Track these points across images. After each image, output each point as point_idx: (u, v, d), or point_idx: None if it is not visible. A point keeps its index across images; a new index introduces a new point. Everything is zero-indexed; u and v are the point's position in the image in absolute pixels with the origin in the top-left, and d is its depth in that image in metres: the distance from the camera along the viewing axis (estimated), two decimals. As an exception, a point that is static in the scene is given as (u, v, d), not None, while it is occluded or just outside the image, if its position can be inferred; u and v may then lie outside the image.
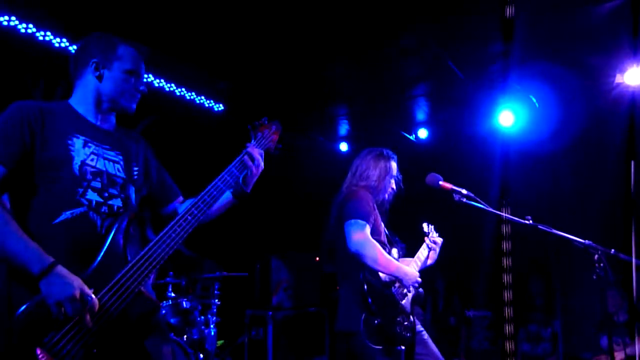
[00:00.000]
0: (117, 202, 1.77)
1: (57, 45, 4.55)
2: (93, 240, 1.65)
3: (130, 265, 1.62)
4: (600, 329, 4.64)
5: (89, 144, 1.77)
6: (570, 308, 5.45)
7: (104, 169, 1.78)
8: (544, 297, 5.56)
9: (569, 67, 4.85)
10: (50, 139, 1.69)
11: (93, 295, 1.53)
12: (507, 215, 2.57)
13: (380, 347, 2.51)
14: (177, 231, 1.72)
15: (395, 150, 3.09)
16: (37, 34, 4.43)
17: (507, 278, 5.34)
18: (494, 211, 2.61)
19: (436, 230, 3.26)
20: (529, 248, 5.53)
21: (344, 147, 7.06)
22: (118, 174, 1.82)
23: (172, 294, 4.32)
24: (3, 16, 4.20)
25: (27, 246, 1.52)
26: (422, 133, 6.55)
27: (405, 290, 2.73)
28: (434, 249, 3.06)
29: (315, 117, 6.55)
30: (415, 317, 2.76)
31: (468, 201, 2.52)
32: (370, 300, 2.53)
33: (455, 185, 2.64)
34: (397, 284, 2.71)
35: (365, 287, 2.55)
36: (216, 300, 4.54)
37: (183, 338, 4.07)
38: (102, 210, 1.72)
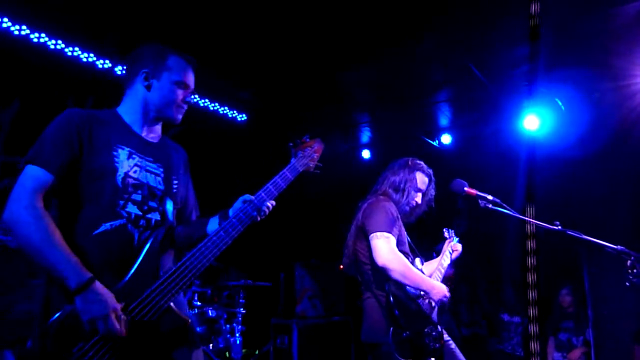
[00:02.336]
0: (155, 216, 1.79)
1: (85, 60, 4.68)
2: (129, 252, 1.68)
3: (160, 281, 1.64)
4: (636, 339, 4.49)
5: (134, 156, 1.80)
6: (603, 316, 5.30)
7: (146, 182, 1.80)
8: (574, 305, 5.42)
9: (597, 70, 4.74)
10: (97, 149, 1.72)
11: (124, 317, 1.55)
12: (534, 220, 2.51)
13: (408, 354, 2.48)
14: (210, 248, 1.72)
15: (418, 156, 3.04)
16: (66, 50, 4.56)
17: (532, 285, 5.22)
18: (521, 217, 2.56)
19: (458, 235, 3.27)
20: (558, 255, 5.40)
21: (366, 154, 7.04)
22: (159, 186, 1.84)
23: (198, 303, 4.37)
24: (34, 33, 4.34)
25: (68, 259, 1.55)
26: (446, 139, 6.49)
27: (433, 303, 2.71)
28: (454, 255, 3.06)
29: (337, 125, 6.56)
30: (442, 327, 2.72)
31: (494, 207, 2.47)
32: (397, 312, 2.51)
33: (480, 191, 2.59)
34: (424, 297, 2.69)
35: (392, 299, 2.54)
36: (241, 309, 4.57)
37: (209, 346, 4.10)
38: (140, 223, 1.74)
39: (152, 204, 1.79)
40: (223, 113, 6.02)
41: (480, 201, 2.53)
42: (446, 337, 2.78)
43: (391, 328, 2.51)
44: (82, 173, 1.69)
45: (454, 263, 4.32)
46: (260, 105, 6.02)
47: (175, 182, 1.91)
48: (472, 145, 6.36)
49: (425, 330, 2.61)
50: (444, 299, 2.67)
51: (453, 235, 3.16)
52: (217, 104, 5.93)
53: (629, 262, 2.18)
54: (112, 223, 1.68)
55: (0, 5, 4.13)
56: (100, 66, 4.80)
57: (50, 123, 1.73)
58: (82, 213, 1.68)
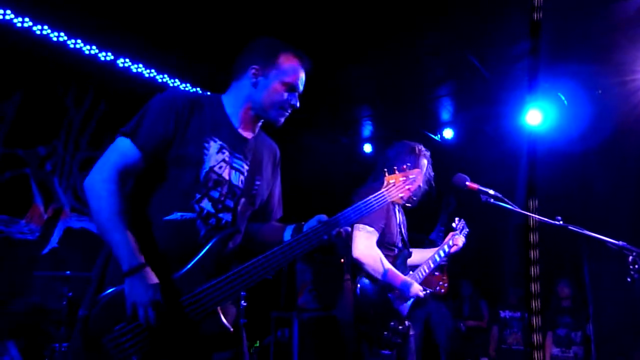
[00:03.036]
0: (227, 217, 1.74)
1: (87, 52, 4.67)
2: (191, 247, 1.65)
3: (214, 282, 1.62)
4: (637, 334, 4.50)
5: (224, 150, 1.75)
6: (603, 311, 5.31)
7: (228, 179, 1.75)
8: (573, 300, 5.43)
9: (600, 65, 4.73)
10: (191, 136, 1.69)
11: (164, 309, 1.55)
12: (536, 215, 2.51)
13: (367, 348, 2.59)
14: (271, 260, 1.67)
15: None
16: (69, 42, 4.55)
17: (535, 279, 5.22)
18: (522, 211, 2.56)
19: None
20: (559, 249, 5.41)
21: (368, 148, 7.04)
22: (239, 185, 1.78)
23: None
24: (36, 25, 4.33)
25: (127, 242, 1.57)
26: (448, 133, 6.48)
27: (404, 298, 2.72)
28: (453, 249, 3.06)
29: (339, 119, 6.55)
30: (410, 322, 2.76)
31: (496, 202, 2.47)
32: (362, 302, 2.61)
33: (482, 185, 2.59)
34: (396, 291, 2.72)
35: (359, 292, 2.63)
36: (242, 302, 4.58)
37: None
38: (210, 221, 1.70)
39: (229, 202, 1.74)
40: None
41: (482, 196, 2.53)
42: (411, 331, 2.80)
43: (345, 310, 2.65)
44: (170, 156, 1.67)
45: (452, 257, 4.35)
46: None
47: (258, 182, 1.84)
48: (474, 139, 6.35)
49: (390, 324, 2.65)
50: (418, 295, 2.70)
51: (463, 228, 3.14)
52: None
53: (630, 257, 2.18)
54: (183, 214, 1.67)
55: (2, -3, 4.13)
56: (103, 58, 4.79)
57: (153, 99, 1.71)
58: (158, 196, 1.68)
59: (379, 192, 1.88)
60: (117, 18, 4.26)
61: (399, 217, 2.88)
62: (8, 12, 4.18)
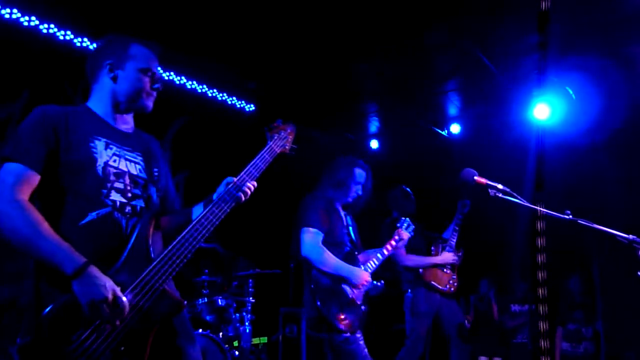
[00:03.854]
0: (140, 203, 1.79)
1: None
2: (118, 239, 1.67)
3: (154, 263, 1.64)
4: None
5: (111, 146, 1.79)
6: (613, 306, 5.27)
7: (127, 170, 1.80)
8: (584, 295, 5.39)
9: (608, 58, 4.68)
10: (74, 142, 1.71)
11: (124, 298, 1.55)
12: (544, 210, 2.49)
13: (325, 335, 2.89)
14: (199, 230, 1.73)
15: (428, 145, 3.12)
16: (75, 40, 4.57)
17: (541, 275, 5.20)
18: (531, 206, 2.54)
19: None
20: (568, 244, 5.38)
21: (374, 144, 7.03)
22: (140, 174, 1.84)
23: (208, 292, 4.39)
24: (43, 24, 4.35)
25: (59, 247, 1.55)
26: (455, 128, 6.45)
27: (356, 286, 3.03)
28: (398, 244, 3.36)
29: (345, 115, 6.54)
30: (366, 307, 3.08)
31: (504, 196, 2.46)
32: (316, 294, 2.91)
33: (490, 180, 2.58)
34: (347, 281, 3.03)
35: (313, 285, 2.94)
36: (251, 298, 4.59)
37: (219, 335, 4.13)
38: (126, 210, 1.74)
39: (136, 191, 1.80)
40: (231, 103, 6.02)
41: (490, 190, 2.51)
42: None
43: (306, 305, 2.97)
44: (61, 167, 1.68)
45: (465, 256, 4.38)
46: (267, 96, 6.02)
47: (156, 170, 1.91)
48: (482, 134, 6.32)
49: (344, 309, 2.95)
50: (366, 284, 3.04)
51: (406, 222, 3.43)
52: (225, 94, 5.93)
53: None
54: (98, 212, 1.68)
55: (9, -4, 4.15)
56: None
57: (24, 120, 1.72)
58: (66, 205, 1.67)
59: (266, 146, 2.05)
60: (124, 16, 4.27)
61: (346, 220, 3.23)
62: (15, 10, 4.20)
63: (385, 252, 3.28)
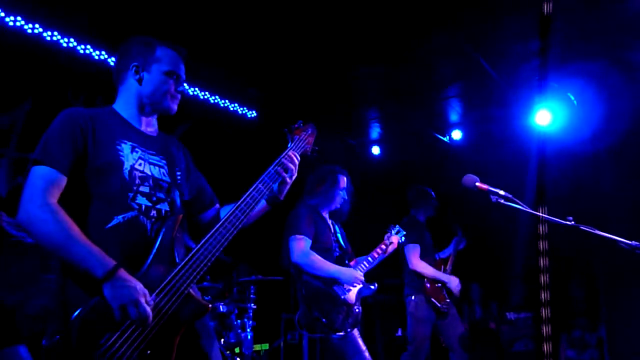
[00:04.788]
0: (164, 206, 1.80)
1: (96, 57, 4.71)
2: (143, 243, 1.68)
3: (179, 267, 1.65)
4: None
5: (136, 149, 1.81)
6: (617, 313, 5.24)
7: (151, 174, 1.81)
8: (587, 302, 5.36)
9: (610, 64, 4.69)
10: (102, 145, 1.73)
11: (152, 301, 1.56)
12: (546, 216, 2.49)
13: (320, 335, 2.96)
14: (223, 233, 1.73)
15: (430, 151, 3.14)
16: (78, 48, 4.60)
17: (544, 279, 5.17)
18: (533, 212, 2.54)
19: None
20: (570, 251, 5.36)
21: (376, 150, 7.03)
22: (164, 178, 1.84)
23: (210, 298, 4.39)
24: (46, 31, 4.38)
25: (90, 250, 1.55)
26: (456, 134, 6.45)
27: (346, 287, 3.11)
28: (387, 248, 3.44)
29: (346, 121, 6.55)
30: (360, 308, 3.16)
31: (506, 202, 2.45)
32: (309, 298, 3.01)
33: (491, 186, 2.57)
34: (339, 282, 3.11)
35: (304, 289, 3.04)
36: (252, 304, 4.58)
37: (220, 342, 4.13)
38: (151, 214, 1.75)
39: (160, 195, 1.80)
40: (233, 110, 6.04)
41: (492, 196, 2.50)
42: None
43: (300, 309, 3.05)
44: (88, 170, 1.70)
45: (457, 260, 4.41)
46: (269, 102, 6.03)
47: (179, 173, 1.91)
48: (483, 140, 6.32)
49: (338, 309, 3.02)
50: (357, 282, 3.12)
51: (396, 228, 3.52)
52: (227, 101, 5.95)
53: (643, 257, 2.16)
54: (124, 215, 1.69)
55: (12, 4, 4.18)
56: (112, 64, 4.83)
57: (52, 123, 1.73)
58: (93, 209, 1.68)
59: (288, 149, 2.02)
60: (127, 23, 4.30)
61: (334, 227, 3.35)
62: (19, 18, 4.23)
63: (376, 255, 3.37)
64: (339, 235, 3.36)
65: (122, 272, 1.55)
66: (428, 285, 4.15)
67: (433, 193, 4.44)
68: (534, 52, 4.72)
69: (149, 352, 1.56)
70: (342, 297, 3.08)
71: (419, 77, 5.38)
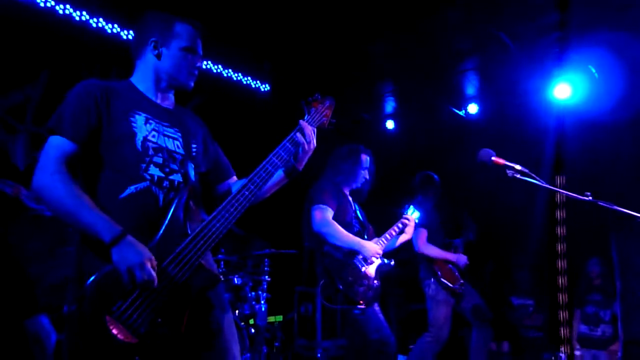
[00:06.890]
0: (177, 177, 1.80)
1: (109, 31, 4.70)
2: (155, 213, 1.71)
3: (190, 238, 1.67)
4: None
5: (150, 121, 1.82)
6: (631, 289, 5.20)
7: (164, 145, 1.82)
8: (602, 277, 5.32)
9: (632, 33, 4.53)
10: (116, 117, 1.75)
11: (158, 265, 1.60)
12: (564, 191, 2.45)
13: (341, 307, 3.02)
14: (235, 206, 1.75)
15: (445, 126, 3.12)
16: (91, 21, 4.58)
17: (561, 264, 5.16)
18: (550, 187, 2.50)
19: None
20: (587, 226, 5.30)
21: (390, 125, 6.96)
22: (178, 150, 1.85)
23: (224, 270, 4.45)
24: (59, 5, 4.36)
25: (99, 216, 1.60)
26: (472, 108, 6.34)
27: (368, 259, 3.17)
28: (406, 227, 3.49)
29: (361, 95, 6.47)
30: (379, 282, 3.20)
31: (522, 177, 2.42)
32: (331, 269, 3.04)
33: (508, 161, 2.53)
34: (359, 255, 3.16)
35: (326, 259, 3.08)
36: (266, 277, 4.64)
37: (235, 313, 4.20)
38: (164, 184, 1.76)
39: (173, 166, 1.81)
40: (246, 83, 6.01)
41: (508, 171, 2.47)
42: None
43: (322, 281, 3.08)
44: (103, 141, 1.72)
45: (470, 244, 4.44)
46: (282, 76, 5.98)
47: (194, 146, 1.92)
48: (500, 114, 6.21)
49: (358, 282, 3.07)
50: (376, 256, 3.17)
51: (410, 208, 3.58)
52: (240, 74, 5.92)
53: (661, 233, 2.12)
54: (136, 186, 1.71)
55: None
56: (125, 37, 4.81)
57: (68, 94, 1.76)
58: (106, 179, 1.71)
59: (304, 120, 2.01)
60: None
61: (354, 205, 3.39)
62: (32, -8, 4.22)
63: (394, 233, 3.43)
64: (358, 212, 3.40)
65: (130, 238, 1.59)
66: (439, 272, 4.17)
67: (437, 178, 4.42)
68: (554, 24, 4.59)
69: (159, 320, 1.60)
70: (363, 270, 3.14)
71: (434, 50, 5.27)
